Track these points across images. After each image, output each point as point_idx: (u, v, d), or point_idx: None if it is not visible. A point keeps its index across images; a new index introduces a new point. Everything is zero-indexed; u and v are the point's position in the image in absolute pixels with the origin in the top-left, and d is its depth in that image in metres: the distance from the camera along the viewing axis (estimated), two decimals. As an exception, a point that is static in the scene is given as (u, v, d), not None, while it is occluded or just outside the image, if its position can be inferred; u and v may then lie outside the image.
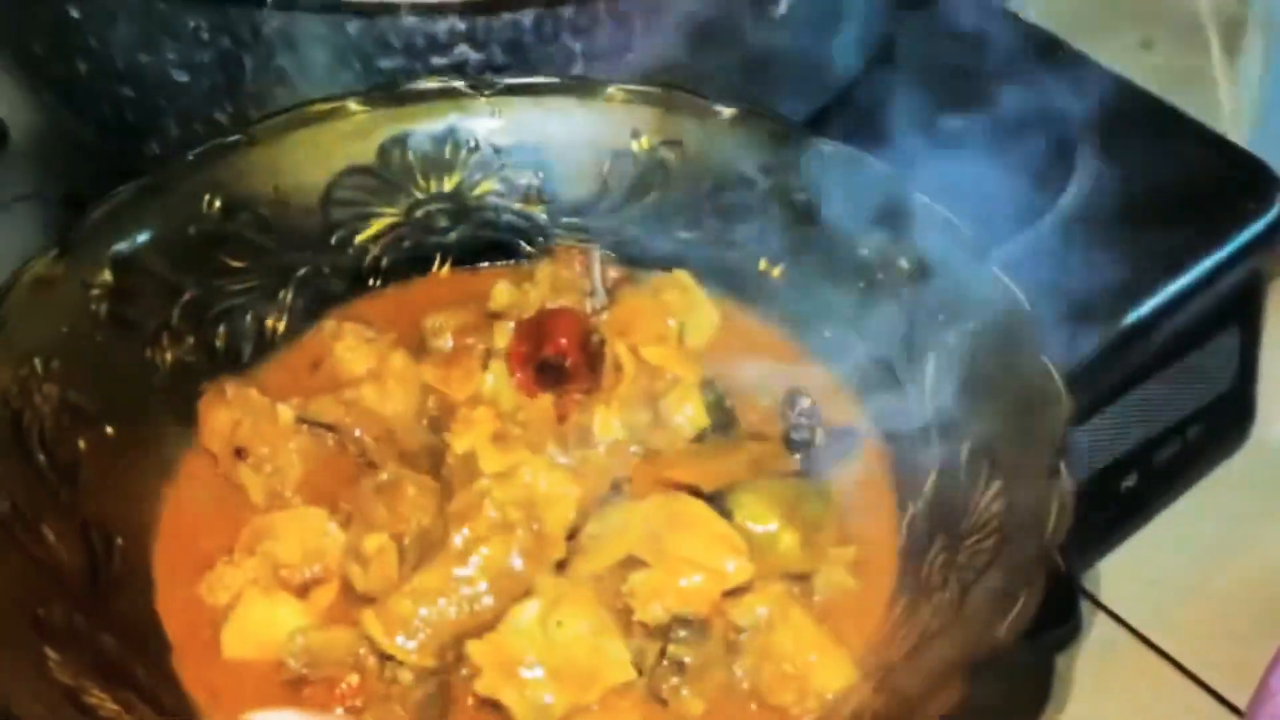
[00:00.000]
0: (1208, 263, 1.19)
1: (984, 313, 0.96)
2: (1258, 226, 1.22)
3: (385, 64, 1.11)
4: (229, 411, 1.02)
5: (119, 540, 0.96)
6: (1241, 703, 1.01)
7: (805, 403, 1.00)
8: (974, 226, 1.01)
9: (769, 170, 1.08)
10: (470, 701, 0.90)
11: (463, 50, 1.11)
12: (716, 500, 0.92)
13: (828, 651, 0.89)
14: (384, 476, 0.95)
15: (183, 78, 1.14)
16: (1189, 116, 1.29)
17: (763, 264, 1.09)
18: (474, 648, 0.87)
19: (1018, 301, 0.95)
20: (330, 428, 1.02)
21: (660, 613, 0.89)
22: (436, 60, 1.12)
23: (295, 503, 1.00)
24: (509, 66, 1.12)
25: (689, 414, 0.96)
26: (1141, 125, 1.31)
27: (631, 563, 0.91)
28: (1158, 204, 1.22)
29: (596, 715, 0.87)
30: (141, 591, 0.96)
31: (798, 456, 0.98)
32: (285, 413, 1.02)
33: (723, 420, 0.99)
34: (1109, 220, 1.20)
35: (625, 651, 0.88)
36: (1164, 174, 1.24)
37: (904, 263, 1.02)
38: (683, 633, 0.89)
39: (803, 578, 0.92)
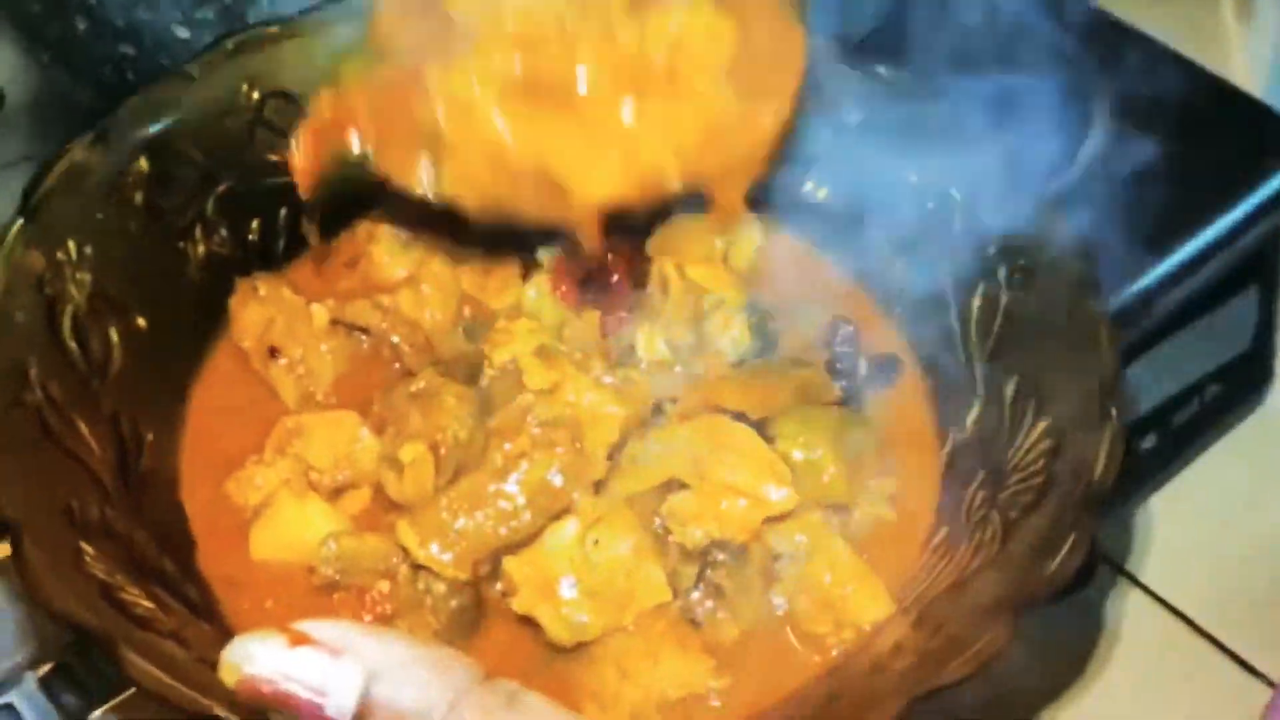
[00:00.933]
0: (1226, 221, 1.17)
1: (1037, 250, 0.94)
2: (1276, 183, 1.20)
3: None
4: (262, 309, 1.01)
5: (149, 436, 0.95)
6: (1260, 664, 1.01)
7: (848, 330, 0.99)
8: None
9: (820, 91, 1.05)
10: (503, 617, 0.89)
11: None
12: (760, 426, 0.91)
13: (865, 582, 0.88)
14: (420, 384, 0.94)
15: (184, 34, 1.12)
16: (1207, 70, 1.27)
17: (809, 184, 1.07)
18: (510, 564, 0.86)
19: (1072, 242, 0.93)
20: (365, 330, 1.00)
21: (699, 536, 0.88)
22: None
23: (327, 405, 0.99)
24: None
25: (734, 337, 0.95)
26: (1158, 80, 1.28)
27: (672, 485, 0.89)
28: (1174, 161, 1.19)
29: (630, 635, 0.86)
30: (169, 488, 0.96)
31: (840, 384, 0.96)
32: (319, 313, 1.01)
33: (766, 344, 0.97)
34: (1124, 178, 1.18)
35: (661, 574, 0.87)
36: (1181, 131, 1.22)
37: (955, 192, 1.00)
38: (720, 556, 0.88)
39: (842, 508, 0.91)
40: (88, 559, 0.83)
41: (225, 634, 0.87)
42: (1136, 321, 1.07)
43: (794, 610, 0.88)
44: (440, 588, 0.88)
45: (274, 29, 1.04)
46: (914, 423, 0.96)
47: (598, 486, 0.89)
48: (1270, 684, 0.99)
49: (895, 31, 1.17)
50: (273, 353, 0.99)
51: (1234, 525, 1.12)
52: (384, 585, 0.89)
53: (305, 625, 0.71)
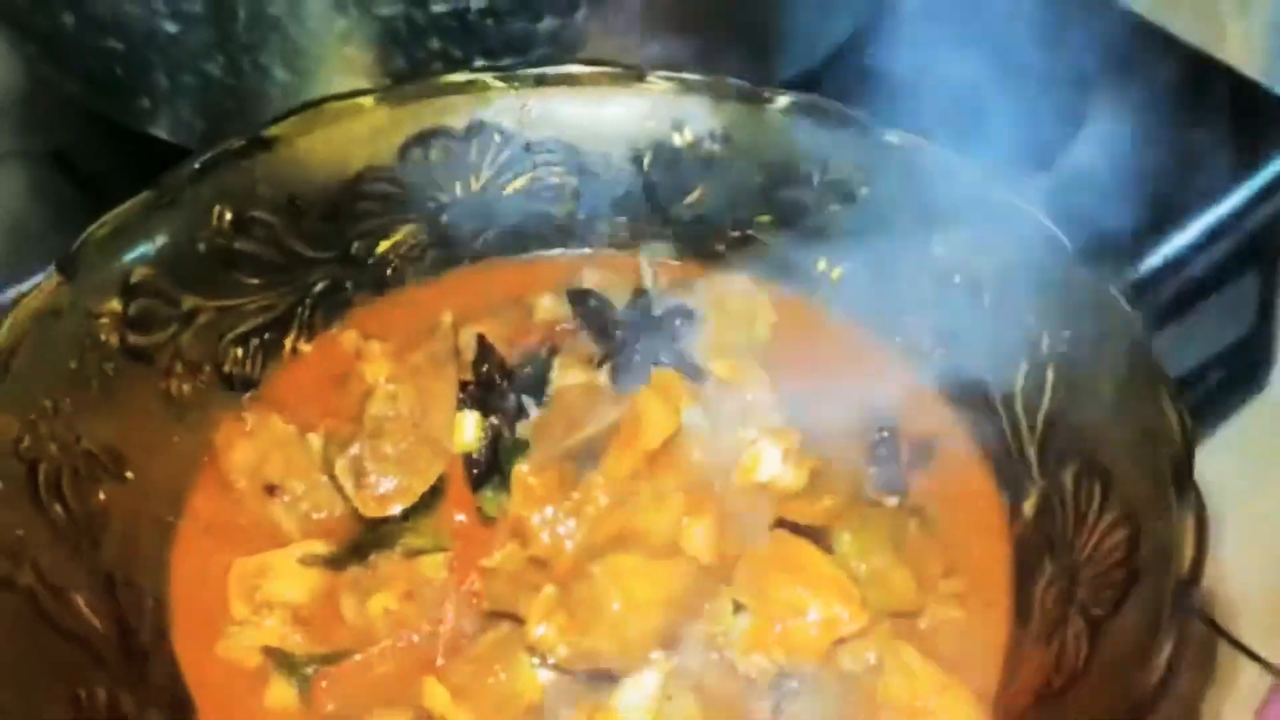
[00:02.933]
0: (1225, 205, 1.14)
1: (1084, 323, 0.89)
2: (1275, 166, 1.17)
3: (384, 10, 1.02)
4: (253, 444, 0.93)
5: (149, 601, 0.87)
6: (1260, 648, 0.96)
7: (886, 416, 0.93)
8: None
9: (826, 164, 1.00)
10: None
11: (465, -2, 1.02)
12: (817, 537, 0.85)
13: (947, 691, 0.82)
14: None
15: (172, 29, 1.05)
16: (1205, 52, 1.23)
17: (821, 264, 1.01)
18: None
19: (1125, 312, 0.88)
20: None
21: (766, 665, 0.81)
22: (437, 8, 1.03)
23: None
24: (515, 13, 1.03)
25: (772, 469, 0.88)
26: (1157, 63, 1.25)
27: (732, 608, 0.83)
28: (1172, 146, 1.16)
29: None
30: (167, 654, 0.87)
31: (882, 482, 0.90)
32: (315, 442, 0.93)
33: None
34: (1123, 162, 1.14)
35: None
36: (1179, 113, 1.19)
37: (985, 264, 0.94)
38: (793, 685, 0.82)
39: (911, 615, 0.85)
40: (106, 755, 0.75)
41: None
42: (1137, 306, 1.03)
43: (882, 733, 0.81)
44: None
45: (241, 143, 0.97)
46: (976, 514, 0.90)
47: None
48: (1271, 669, 0.95)
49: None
50: (271, 490, 0.92)
51: (1235, 510, 1.07)
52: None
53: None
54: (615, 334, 0.92)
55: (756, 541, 0.84)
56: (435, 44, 1.03)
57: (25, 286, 0.96)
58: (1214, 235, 1.14)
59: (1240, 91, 1.23)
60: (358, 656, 0.85)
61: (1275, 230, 1.22)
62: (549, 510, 0.83)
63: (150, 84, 1.09)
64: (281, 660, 0.86)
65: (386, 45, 1.04)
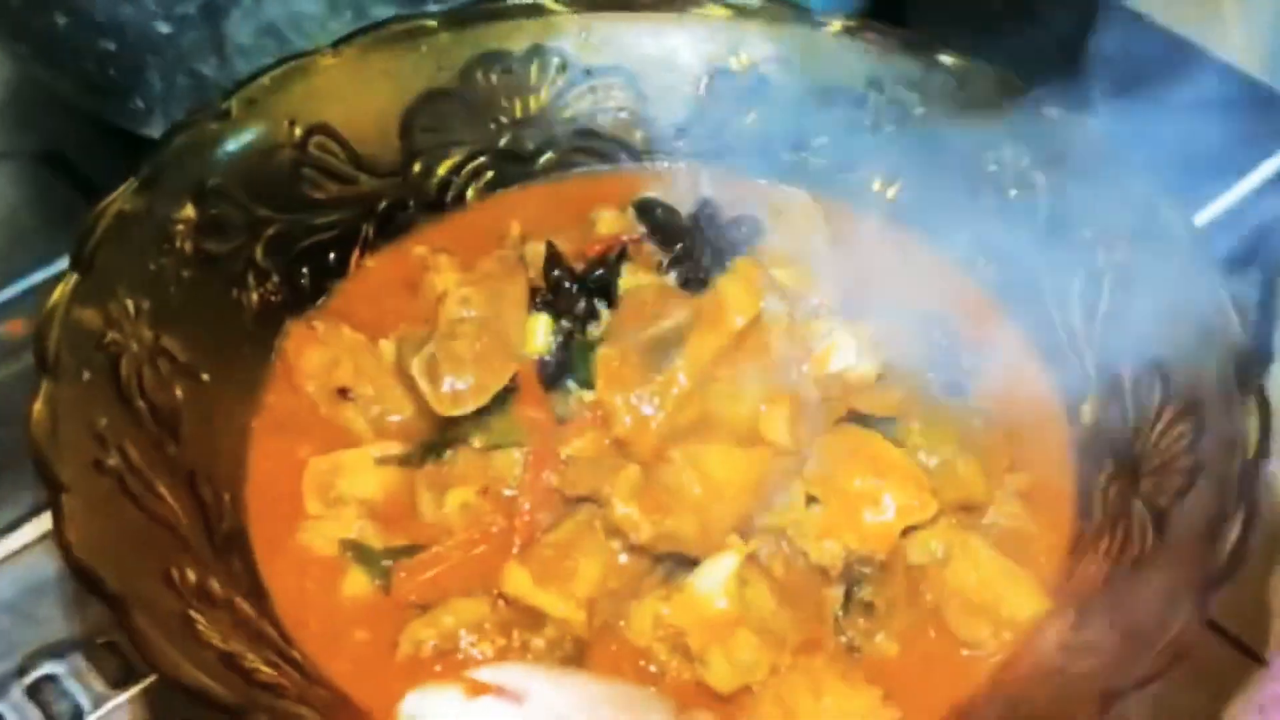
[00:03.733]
0: (1226, 202, 1.15)
1: (1134, 229, 0.91)
2: (1276, 162, 1.18)
3: (379, 11, 1.05)
4: (323, 351, 0.95)
5: (226, 495, 0.89)
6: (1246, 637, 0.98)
7: (945, 322, 0.95)
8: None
9: (881, 85, 1.02)
10: (609, 663, 0.82)
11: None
12: (885, 428, 0.86)
13: (1014, 579, 0.84)
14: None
15: (166, 29, 1.07)
16: (1205, 50, 1.24)
17: (877, 184, 1.03)
18: (672, 609, 0.81)
19: (1174, 219, 0.90)
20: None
21: (837, 552, 0.83)
22: (433, 6, 1.05)
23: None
24: None
25: (844, 358, 0.90)
26: (1156, 59, 1.25)
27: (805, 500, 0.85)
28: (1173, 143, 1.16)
29: (789, 673, 0.81)
30: (246, 545, 0.89)
31: (943, 378, 0.92)
32: (387, 348, 0.95)
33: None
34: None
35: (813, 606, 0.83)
36: (1179, 110, 1.19)
37: (1039, 178, 0.96)
38: (865, 571, 0.83)
39: (977, 508, 0.87)
40: (201, 628, 0.76)
41: (342, 701, 0.81)
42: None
43: (949, 618, 0.83)
44: (539, 642, 0.82)
45: (310, 60, 0.98)
46: (1038, 412, 0.92)
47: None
48: (1257, 658, 0.96)
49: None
50: (343, 394, 0.93)
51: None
52: (486, 648, 0.83)
53: (482, 673, 0.66)
54: (683, 239, 0.94)
55: (829, 431, 0.85)
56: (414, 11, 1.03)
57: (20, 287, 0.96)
58: (1213, 233, 1.13)
59: (1242, 88, 1.22)
60: (436, 548, 0.86)
61: (1275, 228, 1.22)
62: (633, 394, 0.84)
63: (144, 85, 1.10)
64: (358, 552, 0.87)
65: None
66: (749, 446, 0.83)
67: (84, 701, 0.93)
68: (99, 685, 0.94)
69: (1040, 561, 0.86)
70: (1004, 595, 0.83)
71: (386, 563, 0.86)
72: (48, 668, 0.94)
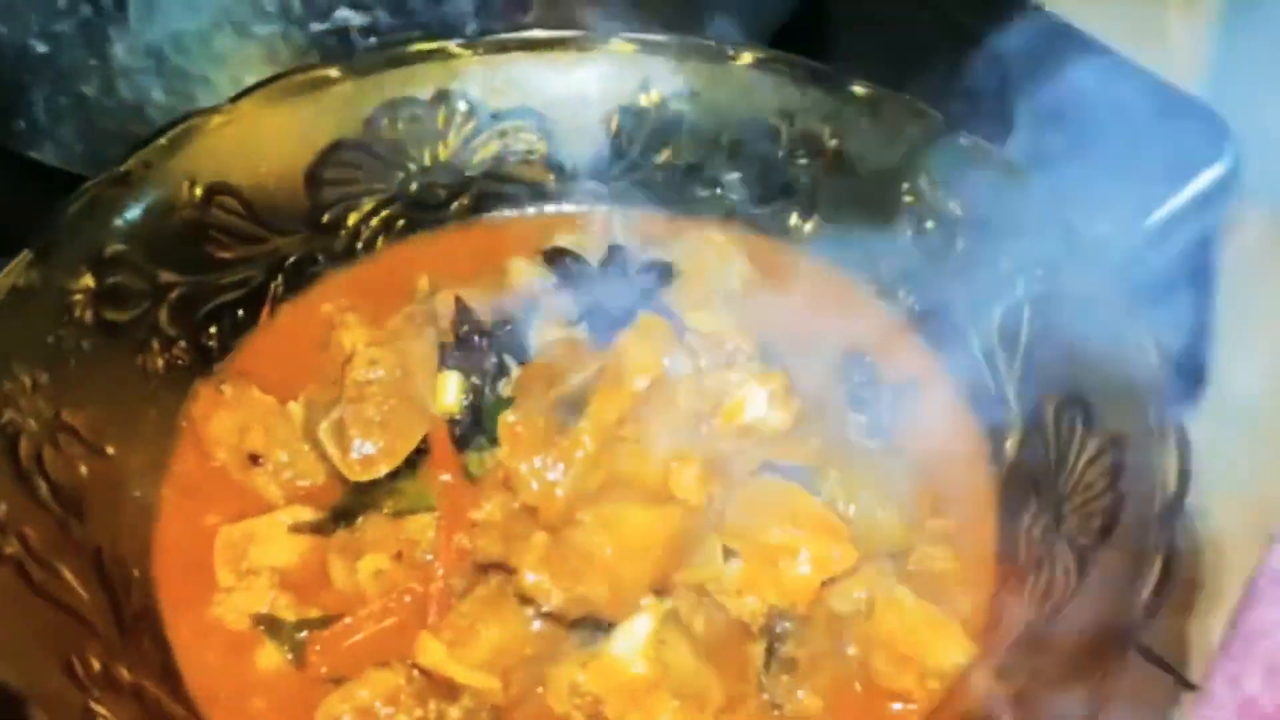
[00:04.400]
0: (1160, 218, 1.13)
1: (1058, 262, 0.89)
2: (1210, 177, 1.17)
3: (260, 29, 1.03)
4: (232, 415, 0.93)
5: (135, 571, 0.87)
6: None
7: (865, 363, 0.93)
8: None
9: (793, 117, 1.01)
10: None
11: (344, 15, 1.03)
12: (802, 478, 0.85)
13: (939, 627, 0.83)
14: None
15: (43, 49, 1.05)
16: (1140, 65, 1.23)
17: (793, 217, 1.02)
18: (586, 675, 0.79)
19: (1093, 249, 0.89)
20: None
21: (757, 606, 0.82)
22: (316, 26, 1.04)
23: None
24: (396, 29, 1.04)
25: (758, 410, 0.88)
26: (1088, 74, 1.23)
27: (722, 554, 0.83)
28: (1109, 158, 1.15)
29: None
30: (155, 623, 0.87)
31: (862, 418, 0.91)
32: (296, 411, 0.93)
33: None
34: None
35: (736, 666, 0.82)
36: (1111, 125, 1.17)
37: (956, 208, 0.95)
38: (787, 625, 0.82)
39: (900, 554, 0.85)
40: (102, 720, 0.74)
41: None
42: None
43: (874, 670, 0.82)
44: (455, 712, 0.81)
45: (208, 117, 0.96)
46: (961, 451, 0.90)
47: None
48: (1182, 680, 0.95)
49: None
50: (254, 459, 0.91)
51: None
52: (400, 717, 0.81)
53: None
54: (592, 291, 0.92)
55: (744, 484, 0.84)
56: (316, 61, 1.02)
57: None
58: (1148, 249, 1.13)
59: (1180, 105, 1.19)
60: (349, 619, 0.85)
61: (1209, 242, 1.21)
62: (537, 459, 0.83)
63: (26, 106, 1.08)
64: (272, 626, 0.85)
65: (266, 65, 1.04)
66: (660, 505, 0.81)
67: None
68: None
69: (965, 606, 0.85)
70: (930, 643, 0.82)
71: (300, 635, 0.85)
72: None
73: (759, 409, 0.86)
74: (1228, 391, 1.14)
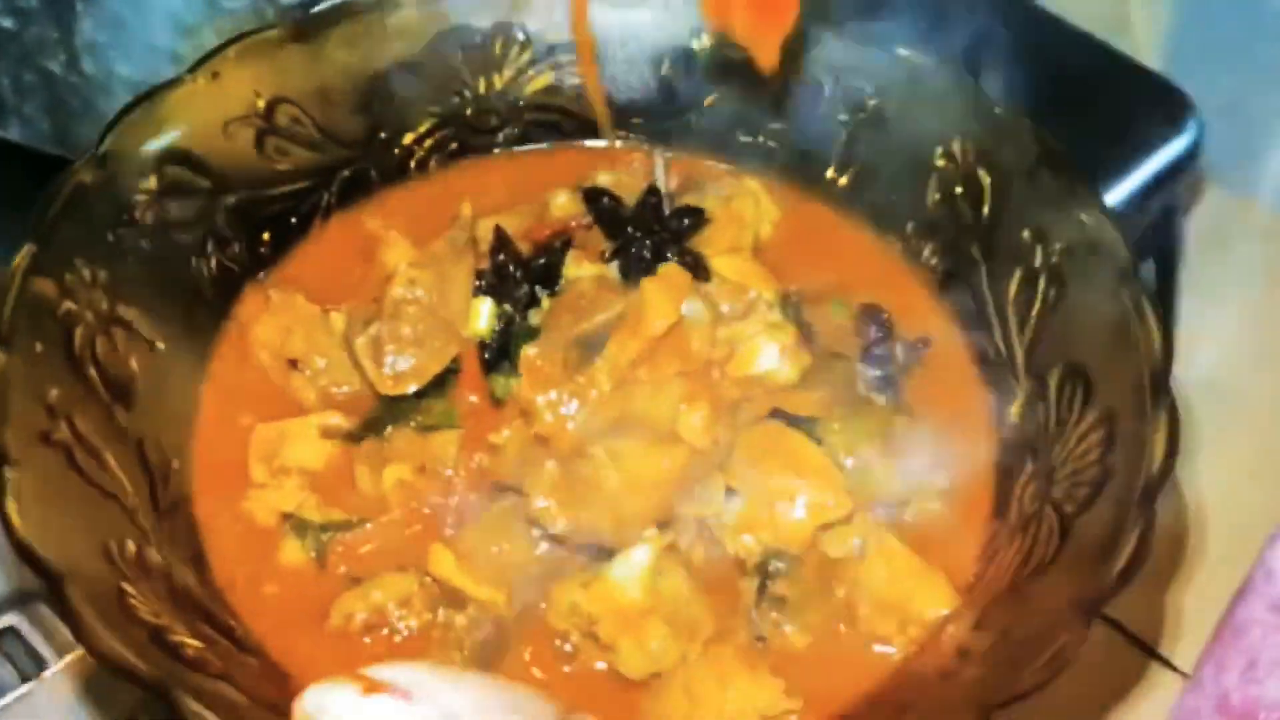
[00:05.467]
0: (1121, 192, 1.12)
1: (1076, 238, 0.93)
2: (1170, 152, 1.15)
3: (232, 4, 1.06)
4: (277, 320, 0.98)
5: (175, 463, 0.92)
6: (1158, 643, 1.00)
7: (881, 318, 0.97)
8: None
9: (838, 75, 1.04)
10: (527, 650, 0.87)
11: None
12: (807, 427, 0.89)
13: (925, 577, 0.87)
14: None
15: (8, 24, 1.07)
16: (1098, 39, 1.21)
17: (830, 170, 1.05)
18: (583, 596, 0.84)
19: (1107, 226, 0.92)
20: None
21: (753, 545, 0.86)
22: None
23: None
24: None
25: (771, 358, 0.92)
26: (1050, 49, 1.19)
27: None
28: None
29: (698, 663, 0.84)
30: (190, 513, 0.92)
31: (875, 373, 0.95)
32: (338, 321, 0.98)
33: (801, 338, 0.95)
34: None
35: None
36: (1073, 99, 1.15)
37: (986, 178, 0.98)
38: (778, 566, 0.86)
39: (895, 505, 0.90)
40: (133, 601, 0.80)
41: (271, 669, 0.85)
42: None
43: (857, 613, 0.86)
44: (461, 620, 0.86)
45: (278, 33, 1.01)
46: (963, 414, 0.94)
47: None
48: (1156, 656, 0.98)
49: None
50: (293, 364, 0.96)
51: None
52: (411, 622, 0.87)
53: (378, 671, 0.69)
54: (625, 231, 0.96)
55: (750, 428, 0.88)
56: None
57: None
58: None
59: (1138, 79, 1.17)
60: (370, 524, 0.90)
61: (1172, 219, 1.21)
62: (553, 393, 0.87)
63: None
64: (298, 525, 0.90)
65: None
66: (667, 444, 0.85)
67: (46, 653, 0.97)
68: (61, 635, 0.96)
69: (954, 560, 0.88)
70: (914, 592, 0.86)
71: (324, 535, 0.90)
72: (8, 619, 0.98)
73: (770, 361, 0.90)
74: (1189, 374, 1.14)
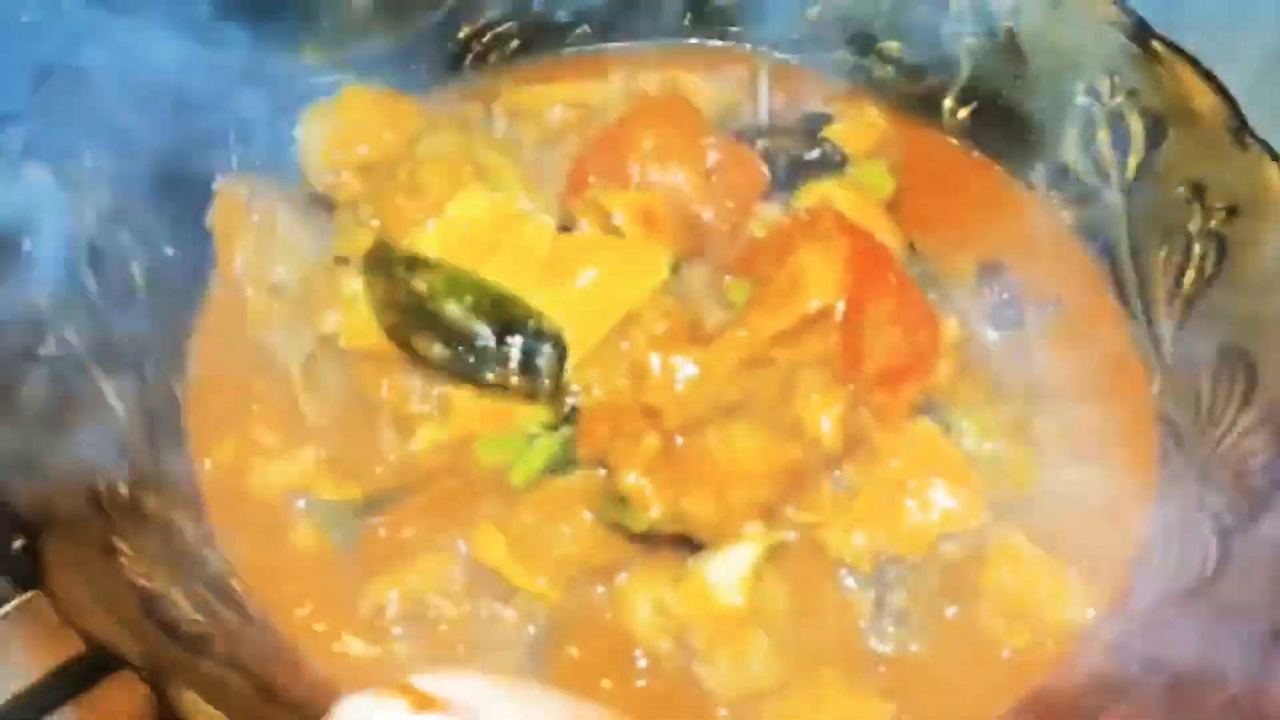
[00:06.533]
0: None
1: (1242, 192, 0.79)
2: None
3: None
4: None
5: (177, 390, 0.79)
6: None
7: (1006, 277, 0.84)
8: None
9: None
10: (575, 649, 0.74)
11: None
12: (935, 413, 0.76)
13: (1056, 577, 0.74)
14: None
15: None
16: None
17: (949, 102, 0.91)
18: (681, 597, 0.71)
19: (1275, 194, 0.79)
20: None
21: (864, 546, 0.73)
22: None
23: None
24: None
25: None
26: None
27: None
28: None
29: (798, 691, 0.71)
30: (186, 453, 0.79)
31: (999, 333, 0.82)
32: None
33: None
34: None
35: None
36: None
37: (1137, 123, 0.84)
38: (895, 572, 0.73)
39: (1026, 500, 0.77)
40: (124, 560, 0.67)
41: (277, 644, 0.72)
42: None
43: (983, 624, 0.73)
44: (509, 614, 0.73)
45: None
46: (1113, 400, 0.80)
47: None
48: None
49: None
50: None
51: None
52: (449, 609, 0.73)
53: (425, 681, 0.56)
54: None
55: (881, 422, 0.75)
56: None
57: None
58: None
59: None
60: (405, 502, 0.76)
61: None
62: (675, 356, 0.73)
63: None
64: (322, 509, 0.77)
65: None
66: (791, 439, 0.72)
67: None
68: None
69: (1094, 565, 0.76)
70: (1047, 601, 0.74)
71: (349, 516, 0.77)
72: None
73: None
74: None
